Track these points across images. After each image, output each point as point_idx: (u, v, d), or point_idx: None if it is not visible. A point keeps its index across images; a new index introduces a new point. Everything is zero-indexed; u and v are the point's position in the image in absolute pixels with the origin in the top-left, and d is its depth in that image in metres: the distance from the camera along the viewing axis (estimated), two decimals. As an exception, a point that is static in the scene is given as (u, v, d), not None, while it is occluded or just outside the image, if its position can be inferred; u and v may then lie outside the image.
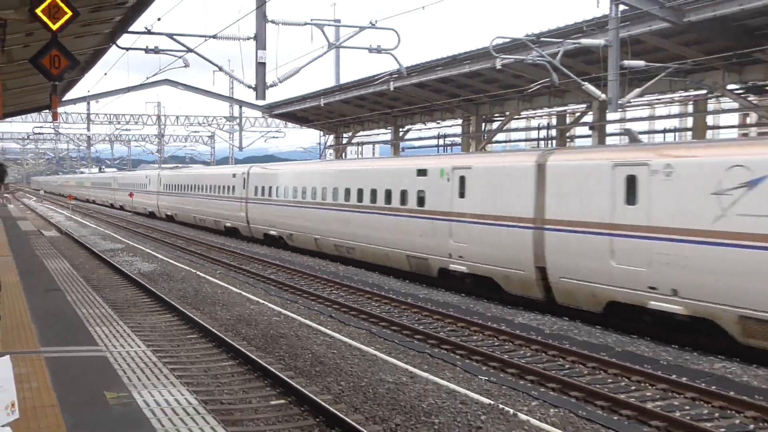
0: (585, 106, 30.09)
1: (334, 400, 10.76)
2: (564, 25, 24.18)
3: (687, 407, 10.81)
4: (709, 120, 29.20)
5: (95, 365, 9.13)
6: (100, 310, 13.11)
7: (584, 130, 32.22)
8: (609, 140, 29.98)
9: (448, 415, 9.77)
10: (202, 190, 43.77)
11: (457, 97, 33.60)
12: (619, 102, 22.18)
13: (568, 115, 33.73)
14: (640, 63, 22.01)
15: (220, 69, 25.46)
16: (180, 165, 71.73)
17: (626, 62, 21.57)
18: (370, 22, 23.66)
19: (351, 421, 9.35)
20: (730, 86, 24.27)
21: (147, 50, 23.26)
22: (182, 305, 17.69)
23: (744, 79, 23.72)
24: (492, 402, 10.30)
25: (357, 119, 44.58)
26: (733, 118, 32.22)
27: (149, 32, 22.36)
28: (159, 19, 22.08)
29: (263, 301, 18.39)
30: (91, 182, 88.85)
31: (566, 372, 12.64)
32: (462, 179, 20.09)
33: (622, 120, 31.15)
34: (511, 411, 9.91)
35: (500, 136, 37.51)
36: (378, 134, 47.91)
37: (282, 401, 10.71)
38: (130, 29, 20.65)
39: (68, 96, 41.62)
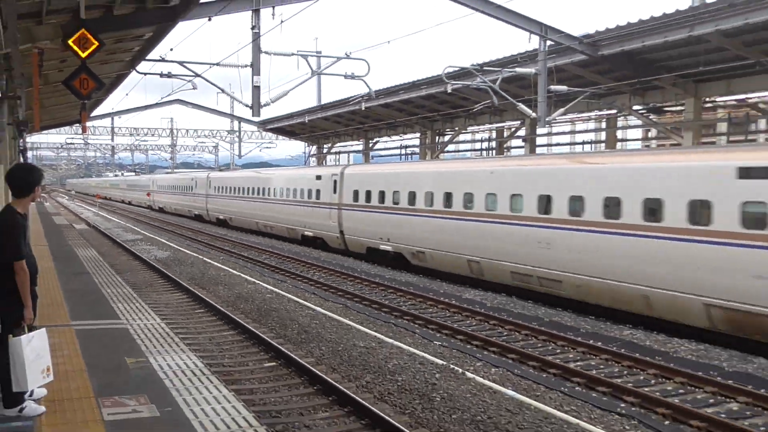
0: (519, 122, 30.23)
1: (316, 362, 10.71)
2: (502, 57, 24.29)
3: (602, 366, 10.89)
4: (619, 134, 29.44)
5: (117, 335, 8.98)
6: (121, 289, 12.92)
7: (518, 143, 32.35)
8: (538, 150, 30.15)
9: (409, 374, 9.75)
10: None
11: (416, 115, 33.69)
12: (547, 119, 22.33)
13: (505, 130, 33.90)
14: (563, 88, 22.17)
15: (223, 91, 25.28)
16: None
17: (552, 87, 21.74)
18: (346, 54, 23.61)
19: (330, 380, 9.31)
20: (635, 107, 24.51)
21: (161, 75, 23.05)
22: (191, 285, 17.50)
23: (646, 101, 23.98)
24: (444, 363, 10.30)
25: (335, 133, 44.68)
26: (638, 133, 32.61)
27: (163, 60, 22.19)
28: (171, 49, 21.95)
29: (258, 282, 18.25)
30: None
31: (504, 338, 12.69)
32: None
33: (549, 134, 31.38)
34: (460, 370, 9.91)
35: (450, 147, 37.82)
36: (352, 145, 47.98)
37: (273, 363, 10.63)
38: (148, 57, 20.47)
39: (95, 112, 41.10)
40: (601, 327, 13.25)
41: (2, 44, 10.20)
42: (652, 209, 12.90)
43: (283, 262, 23.44)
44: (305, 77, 24.45)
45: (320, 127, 43.64)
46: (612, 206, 13.70)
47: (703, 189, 12.05)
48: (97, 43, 10.68)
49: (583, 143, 33.32)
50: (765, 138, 24.86)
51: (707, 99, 22.50)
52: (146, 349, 8.28)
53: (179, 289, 17.24)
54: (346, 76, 24.12)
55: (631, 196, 13.33)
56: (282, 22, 18.79)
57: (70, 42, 10.56)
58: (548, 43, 21.05)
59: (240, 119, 57.10)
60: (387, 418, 7.86)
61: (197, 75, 23.51)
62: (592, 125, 31.87)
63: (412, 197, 20.69)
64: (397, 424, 7.64)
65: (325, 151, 50.72)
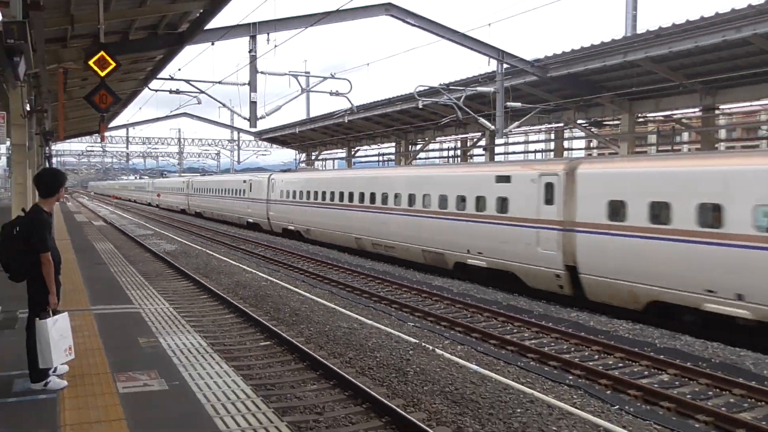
0: (480, 134, 30.32)
1: (306, 341, 10.62)
2: (465, 78, 24.33)
3: (553, 344, 10.92)
4: (565, 144, 29.63)
5: (131, 318, 8.84)
6: (135, 278, 12.73)
7: (480, 151, 32.43)
8: (497, 158, 30.20)
9: (386, 351, 9.69)
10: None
11: (392, 127, 33.71)
12: (504, 131, 22.39)
13: (468, 140, 33.98)
14: (518, 104, 22.30)
15: (224, 105, 25.03)
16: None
17: (508, 103, 21.84)
18: (331, 74, 23.50)
19: (318, 357, 9.23)
20: (579, 121, 24.67)
21: (170, 91, 22.83)
22: (196, 274, 17.30)
23: (588, 116, 24.15)
24: (417, 341, 10.25)
25: (322, 142, 44.65)
26: (581, 143, 32.84)
27: (172, 78, 21.98)
28: (179, 69, 21.79)
29: (255, 271, 18.09)
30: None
31: (468, 319, 12.68)
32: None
33: (506, 144, 31.49)
34: (430, 347, 9.88)
35: (421, 155, 37.84)
36: (336, 153, 47.87)
37: (268, 342, 10.52)
38: (158, 76, 20.30)
39: (113, 123, 40.72)
40: (552, 310, 13.30)
41: (32, 65, 10.04)
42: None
43: (276, 254, 23.28)
44: (296, 94, 24.31)
45: (309, 137, 43.55)
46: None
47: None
48: (114, 64, 10.56)
49: (535, 152, 33.56)
50: (688, 148, 25.09)
51: (639, 114, 22.71)
52: (156, 330, 8.15)
53: (185, 278, 17.03)
54: (331, 93, 24.01)
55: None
56: (276, 46, 18.64)
57: (91, 63, 10.45)
58: (505, 66, 21.15)
59: (239, 130, 56.79)
60: (367, 389, 7.81)
61: (202, 92, 23.33)
62: (542, 136, 32.03)
63: (306, 195, 26.98)
64: (376, 395, 7.59)
65: (313, 158, 50.64)
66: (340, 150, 45.56)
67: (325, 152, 48.77)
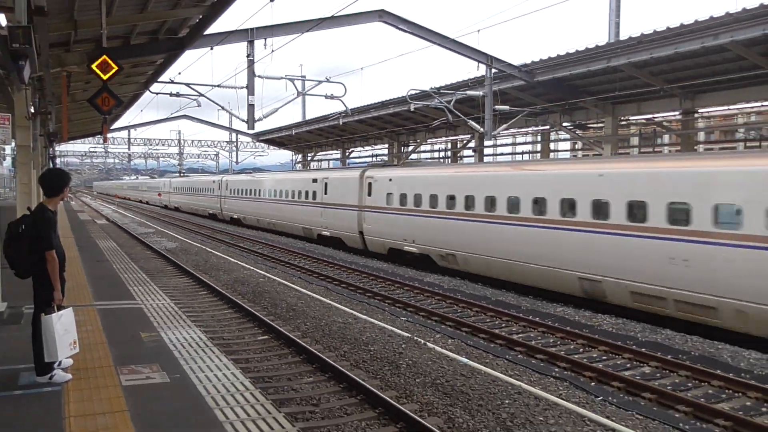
0: (470, 136, 30.33)
1: (302, 335, 10.61)
2: (456, 82, 24.36)
3: (539, 338, 10.95)
4: (552, 146, 29.71)
5: (133, 314, 8.81)
6: (137, 275, 12.68)
7: (469, 152, 32.47)
8: (486, 159, 30.24)
9: (380, 344, 9.70)
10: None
11: (385, 129, 33.63)
12: (492, 133, 22.41)
13: (458, 142, 34.00)
14: (506, 108, 22.29)
15: (223, 108, 24.95)
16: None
17: (497, 107, 21.83)
18: (326, 78, 23.51)
19: (314, 350, 9.22)
20: (564, 124, 24.73)
21: (171, 94, 22.76)
22: (196, 271, 17.25)
23: (573, 119, 24.21)
24: (409, 335, 10.26)
25: (317, 144, 44.52)
26: (567, 145, 32.93)
27: (173, 82, 21.93)
28: (179, 73, 21.86)
29: (253, 268, 18.05)
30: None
31: (458, 314, 12.69)
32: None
33: (495, 145, 31.54)
34: (422, 341, 9.89)
35: (413, 156, 37.78)
36: (331, 154, 47.78)
37: (266, 337, 10.51)
38: (159, 80, 20.22)
39: (115, 125, 40.48)
40: (539, 305, 13.33)
41: (36, 68, 10.00)
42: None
43: (273, 251, 23.24)
44: (292, 97, 24.35)
45: (305, 139, 43.48)
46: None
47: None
48: (116, 68, 10.51)
49: (522, 153, 33.61)
50: (668, 149, 25.22)
51: (622, 118, 22.80)
52: (158, 324, 8.13)
53: (186, 275, 16.98)
54: (326, 97, 24.01)
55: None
56: (273, 51, 18.59)
57: (93, 66, 10.40)
58: (493, 70, 21.16)
59: (237, 132, 56.48)
60: (361, 381, 7.81)
61: (201, 95, 23.28)
62: (529, 138, 32.10)
63: (252, 192, 32.79)
64: (370, 387, 7.60)
65: (309, 159, 50.55)
66: (335, 151, 45.61)
67: (321, 153, 48.79)
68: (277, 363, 9.05)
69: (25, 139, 13.03)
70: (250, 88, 18.81)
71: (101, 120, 21.21)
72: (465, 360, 8.91)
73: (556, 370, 9.04)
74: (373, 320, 11.35)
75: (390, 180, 20.33)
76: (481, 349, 9.95)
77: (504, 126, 23.94)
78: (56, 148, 38.58)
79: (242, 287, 15.12)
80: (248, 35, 18.06)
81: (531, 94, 22.85)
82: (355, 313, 11.99)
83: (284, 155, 64.01)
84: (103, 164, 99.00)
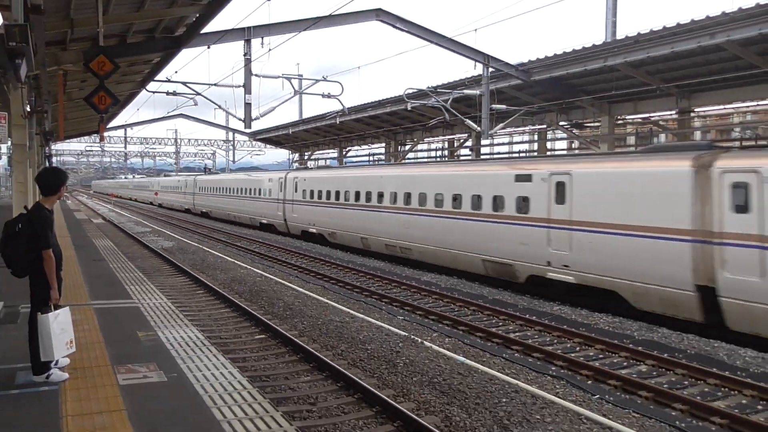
0: (467, 135, 30.37)
1: (299, 334, 10.60)
2: (452, 81, 24.37)
3: (536, 336, 10.96)
4: (548, 145, 29.75)
5: (130, 313, 8.79)
6: (133, 274, 12.67)
7: (466, 152, 32.50)
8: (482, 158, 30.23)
9: (377, 343, 9.70)
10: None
11: (382, 128, 33.66)
12: (489, 132, 22.43)
13: (455, 141, 34.04)
14: (503, 107, 22.32)
15: (219, 107, 24.97)
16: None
17: (494, 106, 21.87)
18: (323, 77, 23.51)
19: (311, 349, 9.21)
20: (561, 123, 24.77)
21: (168, 93, 22.72)
22: (193, 270, 17.23)
23: (570, 118, 24.26)
24: (406, 334, 10.27)
25: (314, 143, 44.46)
26: (563, 144, 32.96)
27: (169, 81, 21.90)
28: (176, 72, 22.08)
29: (250, 267, 18.04)
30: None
31: (456, 313, 12.70)
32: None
33: (491, 144, 31.56)
34: (419, 340, 9.89)
35: (410, 155, 37.82)
36: (328, 153, 47.76)
37: (263, 336, 10.50)
38: (156, 78, 20.18)
39: (111, 124, 40.47)
40: (535, 304, 13.35)
41: (32, 67, 9.97)
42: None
43: (270, 250, 23.23)
44: (289, 96, 24.35)
45: (302, 138, 43.41)
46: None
47: None
48: (113, 66, 10.52)
49: (519, 152, 33.67)
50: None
51: (618, 117, 22.85)
52: (155, 324, 8.12)
53: (183, 274, 16.96)
54: (323, 96, 24.00)
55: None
56: (270, 50, 18.61)
57: (90, 65, 10.38)
58: (490, 69, 21.19)
59: (234, 131, 56.46)
60: (359, 380, 7.82)
61: (198, 93, 23.23)
62: (526, 137, 32.14)
63: (222, 190, 36.98)
64: (367, 386, 7.60)
65: (306, 157, 50.48)
66: (332, 150, 45.55)
67: (318, 152, 48.71)
68: (274, 362, 9.04)
69: (21, 137, 12.99)
70: (247, 87, 18.80)
71: (97, 119, 21.21)
72: (462, 359, 8.92)
73: (553, 368, 9.05)
74: (370, 319, 11.35)
75: (305, 180, 25.99)
76: (478, 348, 9.95)
77: (501, 125, 23.99)
78: (52, 147, 38.50)
79: (239, 286, 15.11)
80: (245, 34, 18.05)
81: (528, 93, 22.88)
82: (352, 311, 11.99)
83: (281, 154, 64.00)
84: (99, 163, 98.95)
